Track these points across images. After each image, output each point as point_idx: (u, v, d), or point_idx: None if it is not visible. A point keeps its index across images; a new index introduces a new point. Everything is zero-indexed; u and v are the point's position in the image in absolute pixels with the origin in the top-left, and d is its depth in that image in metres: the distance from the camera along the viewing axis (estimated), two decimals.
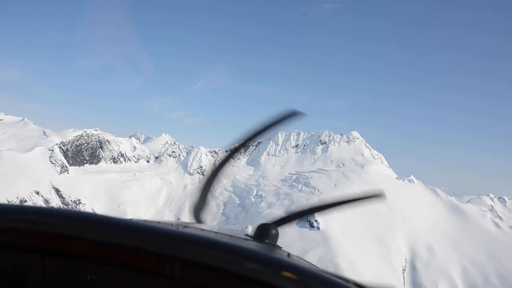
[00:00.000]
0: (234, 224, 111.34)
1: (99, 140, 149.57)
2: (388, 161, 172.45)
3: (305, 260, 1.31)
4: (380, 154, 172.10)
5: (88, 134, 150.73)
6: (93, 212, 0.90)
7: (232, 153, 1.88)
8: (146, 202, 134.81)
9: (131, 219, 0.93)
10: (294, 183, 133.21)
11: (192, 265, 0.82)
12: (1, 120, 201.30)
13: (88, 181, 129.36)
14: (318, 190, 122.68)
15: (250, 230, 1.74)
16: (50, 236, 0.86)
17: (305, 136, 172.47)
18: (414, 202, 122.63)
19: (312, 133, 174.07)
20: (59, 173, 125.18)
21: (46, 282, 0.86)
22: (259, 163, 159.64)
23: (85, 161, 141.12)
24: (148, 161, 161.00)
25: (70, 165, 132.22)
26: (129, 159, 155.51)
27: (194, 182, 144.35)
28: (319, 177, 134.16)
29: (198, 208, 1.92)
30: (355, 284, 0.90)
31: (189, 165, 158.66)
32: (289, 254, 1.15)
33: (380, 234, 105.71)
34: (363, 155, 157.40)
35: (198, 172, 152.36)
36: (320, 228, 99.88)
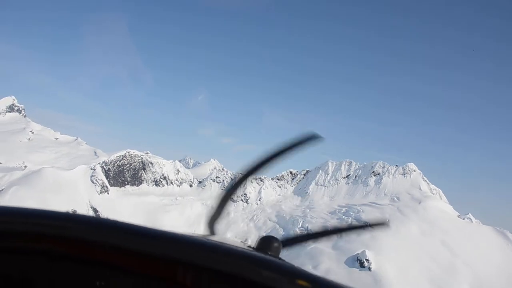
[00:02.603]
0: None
1: (142, 162, 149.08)
2: (447, 197, 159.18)
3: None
4: (439, 189, 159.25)
5: (131, 154, 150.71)
6: (105, 217, 0.90)
7: (250, 172, 1.85)
8: (186, 228, 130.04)
9: (143, 225, 0.91)
10: (343, 216, 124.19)
11: (205, 271, 0.81)
12: (56, 139, 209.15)
13: (128, 203, 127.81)
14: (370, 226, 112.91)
15: (249, 242, 1.72)
16: (59, 240, 0.85)
17: (357, 166, 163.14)
18: (478, 244, 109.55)
19: (365, 163, 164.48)
20: (99, 192, 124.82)
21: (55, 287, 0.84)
22: (306, 193, 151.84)
23: (126, 182, 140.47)
24: (191, 185, 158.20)
25: (111, 185, 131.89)
26: (171, 182, 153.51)
27: (237, 210, 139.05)
28: (371, 211, 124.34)
29: (213, 220, 1.92)
30: None
31: (229, 184, 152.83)
32: (295, 266, 1.10)
33: (439, 279, 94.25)
34: (420, 189, 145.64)
35: (242, 200, 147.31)
36: (372, 268, 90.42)
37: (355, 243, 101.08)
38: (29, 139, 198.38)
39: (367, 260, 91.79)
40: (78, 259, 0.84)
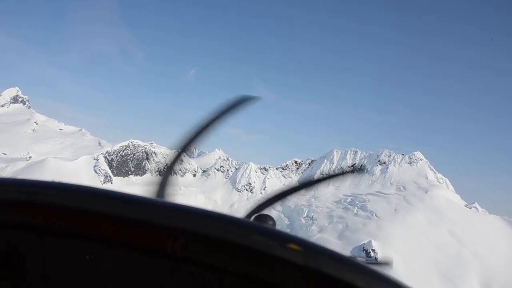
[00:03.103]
0: None
1: (145, 151, 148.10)
2: (454, 186, 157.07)
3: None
4: (446, 178, 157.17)
5: (134, 144, 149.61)
6: (95, 186, 0.81)
7: (190, 142, 1.80)
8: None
9: (132, 193, 0.82)
10: (349, 206, 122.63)
11: (195, 237, 0.75)
12: (60, 129, 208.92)
13: (132, 193, 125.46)
14: (376, 215, 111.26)
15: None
16: (49, 210, 0.81)
17: (362, 155, 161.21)
18: (487, 234, 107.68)
19: (371, 152, 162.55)
20: (102, 182, 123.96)
21: (44, 262, 0.82)
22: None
23: (130, 172, 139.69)
24: (194, 175, 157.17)
25: (115, 175, 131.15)
26: (175, 172, 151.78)
27: (241, 200, 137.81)
28: (377, 201, 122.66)
29: (163, 186, 1.90)
30: (359, 261, 0.82)
31: (237, 181, 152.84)
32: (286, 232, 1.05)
33: (447, 270, 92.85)
34: (427, 178, 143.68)
35: (246, 189, 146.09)
36: (378, 259, 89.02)
37: (361, 233, 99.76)
38: (33, 130, 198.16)
39: (373, 250, 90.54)
40: (67, 232, 0.80)
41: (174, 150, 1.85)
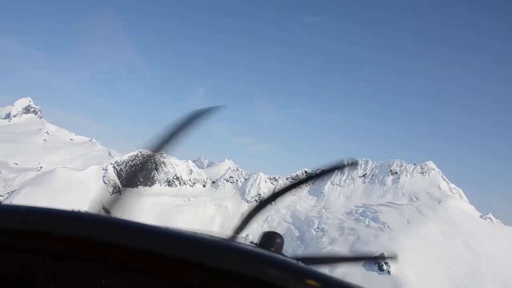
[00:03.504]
0: None
1: (154, 162, 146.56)
2: (468, 197, 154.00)
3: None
4: (459, 188, 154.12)
5: (143, 154, 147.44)
6: (110, 215, 0.89)
7: (149, 155, 1.78)
8: (199, 229, 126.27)
9: (147, 223, 0.90)
10: (360, 217, 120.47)
11: (213, 271, 0.79)
12: (71, 139, 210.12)
13: (140, 204, 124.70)
14: (388, 227, 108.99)
15: (251, 237, 1.74)
16: (63, 238, 0.84)
17: (373, 165, 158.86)
18: (503, 246, 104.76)
19: (382, 162, 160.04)
20: (111, 193, 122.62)
21: (58, 286, 0.83)
22: (322, 193, 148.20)
23: (138, 183, 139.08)
24: (204, 186, 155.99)
25: (123, 186, 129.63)
26: (184, 183, 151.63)
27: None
28: (389, 212, 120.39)
29: (113, 207, 1.77)
30: None
31: (246, 191, 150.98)
32: (298, 262, 1.11)
33: (462, 282, 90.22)
34: (439, 189, 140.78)
35: (256, 200, 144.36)
36: (391, 272, 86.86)
37: (373, 245, 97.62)
38: (44, 140, 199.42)
39: (386, 263, 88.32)
40: (82, 257, 0.83)
41: (143, 155, 1.80)
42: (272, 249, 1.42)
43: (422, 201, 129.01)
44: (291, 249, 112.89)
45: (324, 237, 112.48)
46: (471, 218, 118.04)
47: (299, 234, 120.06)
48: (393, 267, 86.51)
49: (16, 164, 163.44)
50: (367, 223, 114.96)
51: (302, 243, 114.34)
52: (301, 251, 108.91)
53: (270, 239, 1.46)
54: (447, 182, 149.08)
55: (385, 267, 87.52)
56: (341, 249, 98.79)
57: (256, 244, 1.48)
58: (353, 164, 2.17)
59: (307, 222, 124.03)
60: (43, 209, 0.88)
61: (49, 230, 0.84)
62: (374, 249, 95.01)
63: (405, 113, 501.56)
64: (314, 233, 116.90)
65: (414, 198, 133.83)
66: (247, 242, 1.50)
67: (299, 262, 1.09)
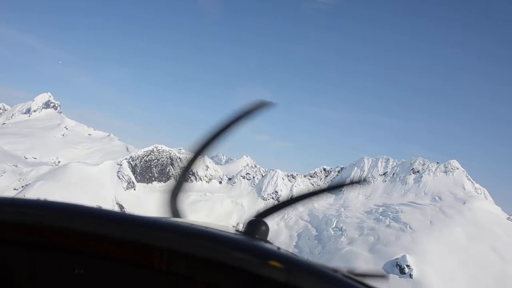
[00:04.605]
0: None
1: (170, 157, 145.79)
2: (493, 197, 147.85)
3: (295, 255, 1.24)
4: (484, 189, 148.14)
5: (159, 150, 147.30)
6: (82, 204, 0.89)
7: (205, 146, 1.84)
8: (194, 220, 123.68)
9: (118, 211, 0.92)
10: (380, 217, 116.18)
11: (178, 256, 0.81)
12: (89, 135, 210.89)
13: (154, 200, 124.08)
14: (410, 227, 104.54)
15: (241, 226, 1.73)
16: (37, 228, 0.85)
17: (394, 163, 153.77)
18: None
19: (403, 160, 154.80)
20: (125, 189, 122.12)
21: (33, 277, 0.85)
22: (341, 191, 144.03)
23: (153, 178, 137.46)
24: (220, 182, 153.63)
25: (138, 181, 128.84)
26: (200, 179, 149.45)
27: None
28: (411, 212, 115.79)
29: (174, 202, 1.92)
30: (344, 274, 0.90)
31: (263, 188, 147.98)
32: (279, 248, 1.14)
33: None
34: (464, 189, 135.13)
35: (272, 198, 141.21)
36: (413, 276, 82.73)
37: (394, 246, 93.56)
38: (63, 135, 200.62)
39: (408, 266, 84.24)
40: (55, 247, 0.84)
41: (189, 154, 1.81)
42: (257, 236, 1.42)
43: (446, 202, 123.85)
44: (307, 249, 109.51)
45: (343, 236, 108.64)
46: (498, 220, 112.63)
47: (316, 233, 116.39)
48: (415, 270, 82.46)
49: (35, 158, 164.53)
50: (387, 223, 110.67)
51: (319, 243, 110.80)
52: (318, 251, 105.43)
53: (255, 226, 1.45)
54: (472, 182, 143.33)
55: (406, 270, 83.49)
56: (361, 250, 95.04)
57: (240, 231, 1.49)
58: (364, 182, 2.16)
59: (325, 221, 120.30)
60: (14, 200, 0.89)
61: (21, 221, 0.85)
62: (395, 251, 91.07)
63: (428, 111, 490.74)
64: (332, 232, 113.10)
65: (437, 198, 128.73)
66: (232, 229, 1.51)
67: (279, 248, 1.09)
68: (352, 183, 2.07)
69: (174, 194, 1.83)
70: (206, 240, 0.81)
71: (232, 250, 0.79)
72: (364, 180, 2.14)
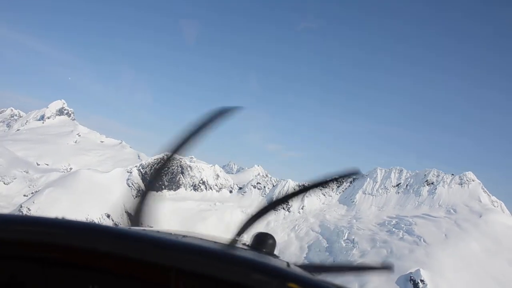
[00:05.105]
0: None
1: (180, 165, 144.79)
2: (510, 211, 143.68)
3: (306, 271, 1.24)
4: (501, 202, 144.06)
5: (163, 157, 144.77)
6: (95, 222, 0.91)
7: (170, 156, 1.85)
8: (224, 236, 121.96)
9: (132, 228, 0.93)
10: (394, 229, 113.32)
11: (196, 277, 0.80)
12: (102, 142, 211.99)
13: (164, 208, 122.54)
14: (424, 241, 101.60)
15: (246, 239, 1.73)
16: (51, 246, 0.85)
17: (408, 174, 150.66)
18: None
19: (417, 171, 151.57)
20: (134, 197, 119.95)
21: None
22: (353, 202, 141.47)
23: (163, 187, 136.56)
24: (231, 191, 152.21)
25: (147, 189, 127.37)
26: (210, 188, 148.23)
27: (277, 219, 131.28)
28: (425, 224, 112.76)
29: (138, 211, 1.93)
30: None
31: (274, 199, 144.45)
32: (288, 264, 1.12)
33: None
34: (480, 201, 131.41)
35: (283, 208, 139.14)
36: None
37: (408, 260, 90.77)
38: (75, 142, 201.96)
39: (422, 281, 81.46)
40: (69, 264, 0.85)
41: (162, 156, 1.80)
42: (264, 250, 1.40)
43: (461, 214, 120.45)
44: (318, 261, 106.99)
45: (355, 249, 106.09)
46: None
47: (327, 245, 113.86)
48: (429, 285, 79.70)
49: (47, 164, 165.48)
50: (401, 235, 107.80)
51: (330, 255, 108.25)
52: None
53: (262, 240, 1.43)
54: (488, 195, 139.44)
55: (421, 285, 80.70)
56: (373, 263, 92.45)
57: (248, 245, 1.46)
58: (357, 173, 2.14)
59: (337, 233, 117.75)
60: (31, 218, 0.89)
61: (37, 238, 0.85)
62: (409, 265, 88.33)
63: (443, 122, 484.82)
64: (344, 245, 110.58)
65: (452, 210, 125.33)
66: (239, 244, 1.49)
67: (290, 265, 1.08)
68: (345, 175, 2.00)
69: (143, 200, 1.73)
70: (222, 261, 0.80)
71: (251, 272, 0.78)
72: (356, 172, 2.08)
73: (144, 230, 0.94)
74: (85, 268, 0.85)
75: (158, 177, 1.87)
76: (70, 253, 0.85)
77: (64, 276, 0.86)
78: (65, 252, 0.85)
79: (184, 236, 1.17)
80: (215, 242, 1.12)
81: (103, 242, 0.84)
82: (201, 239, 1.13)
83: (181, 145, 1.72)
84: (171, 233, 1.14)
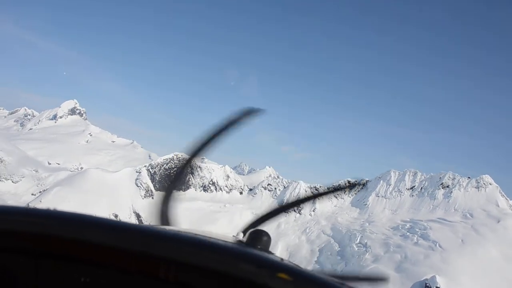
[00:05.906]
0: None
1: (190, 165, 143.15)
2: None
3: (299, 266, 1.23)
4: None
5: (178, 157, 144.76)
6: (89, 214, 0.90)
7: (193, 156, 1.87)
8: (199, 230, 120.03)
9: (126, 221, 0.91)
10: (408, 233, 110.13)
11: (186, 267, 0.80)
12: (113, 141, 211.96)
13: (172, 209, 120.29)
14: (440, 246, 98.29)
15: (241, 235, 1.73)
16: (43, 238, 0.84)
17: (423, 177, 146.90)
18: None
19: (432, 174, 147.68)
20: (143, 197, 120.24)
21: (39, 285, 0.84)
22: (365, 204, 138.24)
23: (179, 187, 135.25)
24: (241, 193, 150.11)
25: (156, 189, 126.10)
26: (220, 189, 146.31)
27: (288, 221, 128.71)
28: (440, 229, 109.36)
29: (164, 211, 1.97)
30: (349, 285, 0.89)
31: (284, 200, 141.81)
32: (282, 259, 1.12)
33: None
34: (497, 206, 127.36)
35: (294, 210, 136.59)
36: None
37: (423, 266, 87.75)
38: (87, 141, 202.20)
39: (437, 287, 78.53)
40: (61, 256, 0.84)
41: (182, 159, 1.83)
42: (259, 247, 1.41)
43: (478, 219, 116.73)
44: (329, 265, 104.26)
45: (367, 253, 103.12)
46: None
47: (339, 249, 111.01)
48: None
49: (58, 164, 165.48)
50: (415, 240, 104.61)
51: (342, 259, 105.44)
52: (340, 268, 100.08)
53: (257, 237, 1.45)
54: (506, 199, 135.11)
55: None
56: (386, 268, 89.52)
57: (242, 242, 1.49)
58: (361, 185, 2.05)
59: (349, 236, 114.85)
60: (23, 209, 0.88)
61: (29, 230, 0.85)
62: (424, 270, 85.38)
63: (459, 124, 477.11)
64: (356, 249, 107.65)
65: (468, 215, 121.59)
66: (234, 240, 1.52)
67: (283, 260, 1.09)
68: (350, 186, 1.88)
69: (166, 201, 1.80)
70: (214, 252, 0.81)
71: (241, 262, 0.79)
72: (361, 183, 1.86)
73: (135, 223, 0.94)
74: (77, 261, 0.84)
75: (181, 177, 1.93)
76: (61, 245, 0.84)
77: (56, 268, 0.85)
78: (56, 243, 0.84)
79: (178, 230, 1.17)
80: (209, 237, 1.13)
81: (95, 234, 0.83)
82: (195, 234, 1.13)
83: (203, 146, 1.71)
84: (165, 227, 1.11)
